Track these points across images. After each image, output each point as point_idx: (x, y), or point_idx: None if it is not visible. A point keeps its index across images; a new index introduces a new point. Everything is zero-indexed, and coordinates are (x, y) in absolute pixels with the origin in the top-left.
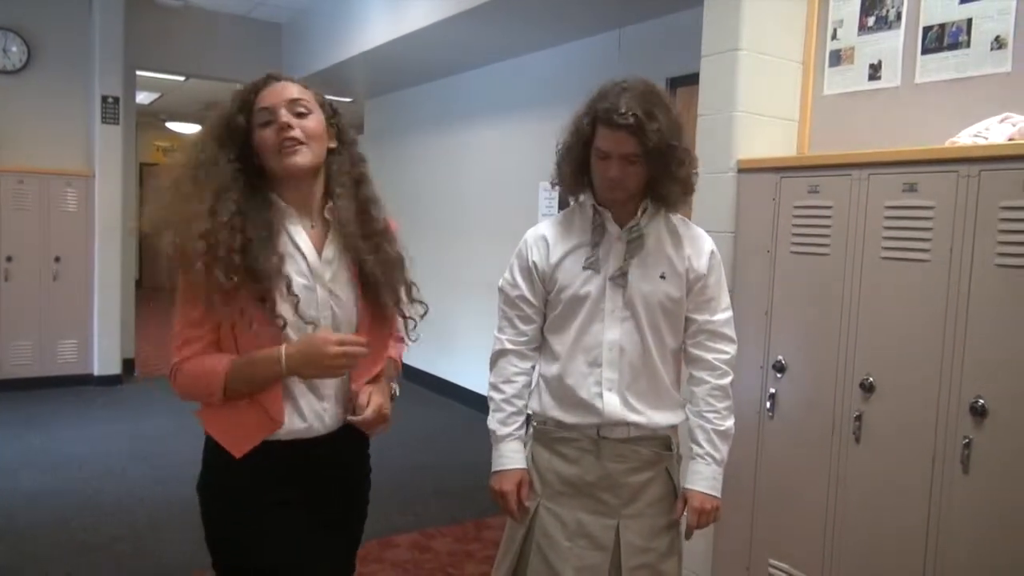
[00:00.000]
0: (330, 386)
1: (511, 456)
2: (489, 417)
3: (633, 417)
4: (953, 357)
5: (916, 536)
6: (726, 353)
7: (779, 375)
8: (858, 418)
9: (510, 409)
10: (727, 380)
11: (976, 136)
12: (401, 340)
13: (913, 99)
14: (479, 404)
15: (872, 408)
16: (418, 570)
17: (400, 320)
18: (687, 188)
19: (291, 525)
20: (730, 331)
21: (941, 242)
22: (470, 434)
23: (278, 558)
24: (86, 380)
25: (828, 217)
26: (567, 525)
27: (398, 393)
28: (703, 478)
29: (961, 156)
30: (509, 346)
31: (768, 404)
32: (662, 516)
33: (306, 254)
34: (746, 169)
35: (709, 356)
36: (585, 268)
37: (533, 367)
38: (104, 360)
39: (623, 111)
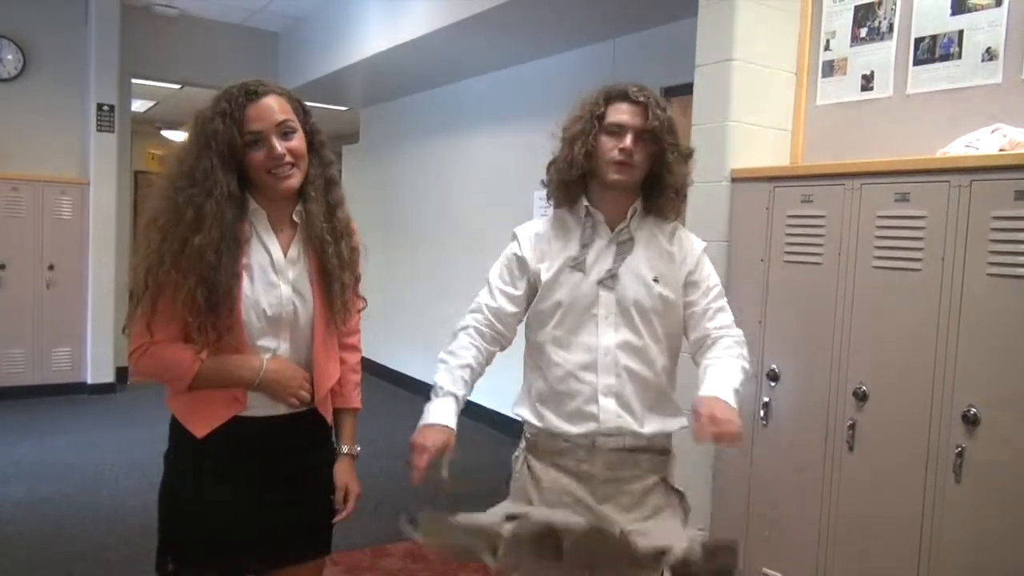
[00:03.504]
0: None
1: (440, 414)
2: (438, 375)
3: (631, 424)
4: (945, 366)
5: (909, 544)
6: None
7: (772, 384)
8: (851, 426)
9: (459, 372)
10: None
11: (967, 146)
12: (357, 369)
13: (905, 110)
14: (474, 414)
15: (865, 416)
16: None
17: (358, 335)
18: (680, 192)
19: (237, 497)
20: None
21: (933, 251)
22: (465, 443)
23: (216, 525)
24: (79, 388)
25: (821, 226)
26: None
27: (358, 454)
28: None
29: (953, 166)
30: (471, 323)
31: (762, 413)
32: (664, 520)
33: (272, 254)
34: (739, 179)
35: (724, 335)
36: (571, 268)
37: (492, 354)
38: (97, 368)
39: (636, 90)
